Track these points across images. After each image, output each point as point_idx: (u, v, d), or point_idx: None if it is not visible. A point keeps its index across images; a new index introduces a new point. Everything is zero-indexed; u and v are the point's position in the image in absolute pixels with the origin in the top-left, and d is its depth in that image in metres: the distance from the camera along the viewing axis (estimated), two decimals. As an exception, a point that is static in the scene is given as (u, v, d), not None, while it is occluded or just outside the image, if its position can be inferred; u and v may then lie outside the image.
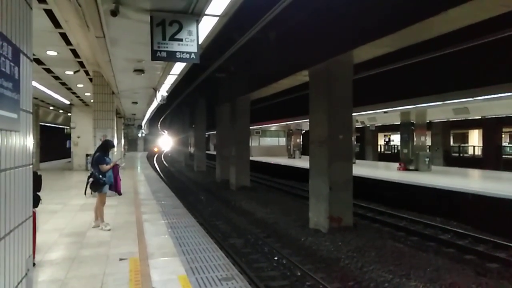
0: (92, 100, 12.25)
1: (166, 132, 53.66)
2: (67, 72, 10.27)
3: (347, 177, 8.80)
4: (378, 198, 12.50)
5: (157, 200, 8.94)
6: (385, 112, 16.70)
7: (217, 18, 5.03)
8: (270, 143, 30.69)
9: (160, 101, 11.79)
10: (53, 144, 26.19)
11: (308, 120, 10.49)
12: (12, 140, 2.00)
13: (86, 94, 14.22)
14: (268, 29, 9.83)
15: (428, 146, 20.11)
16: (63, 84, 12.24)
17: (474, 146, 26.91)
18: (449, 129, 24.96)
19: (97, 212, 6.10)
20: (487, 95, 10.64)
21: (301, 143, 27.25)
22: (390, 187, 12.37)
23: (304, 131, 26.97)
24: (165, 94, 11.51)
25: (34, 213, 3.22)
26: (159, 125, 47.54)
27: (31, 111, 2.36)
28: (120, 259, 4.48)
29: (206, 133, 29.83)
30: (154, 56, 4.85)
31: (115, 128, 12.69)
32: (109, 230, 5.88)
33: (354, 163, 16.52)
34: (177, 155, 44.31)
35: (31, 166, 2.35)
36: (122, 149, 24.53)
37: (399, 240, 8.36)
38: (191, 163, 29.93)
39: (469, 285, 5.73)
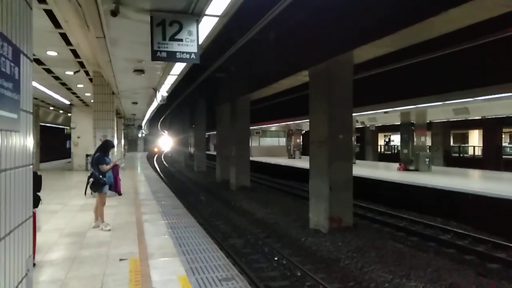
0: (92, 100, 12.25)
1: (166, 132, 53.68)
2: (67, 72, 10.27)
3: (347, 177, 8.80)
4: (378, 199, 12.50)
5: (157, 201, 8.94)
6: (385, 112, 16.70)
7: (217, 18, 5.03)
8: (270, 143, 30.69)
9: (160, 101, 11.79)
10: (53, 144, 26.19)
11: (308, 120, 10.49)
12: (12, 140, 2.00)
13: (86, 94, 14.22)
14: (268, 29, 9.82)
15: (428, 147, 20.12)
16: (63, 84, 12.24)
17: (474, 147, 26.90)
18: (449, 129, 24.96)
19: (97, 212, 6.10)
20: (487, 95, 10.64)
21: (301, 143, 27.26)
22: (390, 187, 12.37)
23: (304, 131, 26.98)
24: (165, 94, 11.51)
25: (34, 214, 3.22)
26: (159, 126, 47.56)
27: (31, 111, 2.35)
28: (120, 260, 4.48)
29: (206, 133, 29.84)
30: (154, 56, 4.85)
31: (115, 128, 12.69)
32: (109, 230, 5.87)
33: (354, 163, 16.51)
34: (177, 155, 44.31)
35: (31, 166, 2.35)
36: (122, 150, 24.54)
37: (399, 240, 8.36)
38: (191, 163, 29.93)
39: (469, 285, 5.72)
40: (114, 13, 4.56)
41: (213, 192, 16.05)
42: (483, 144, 23.81)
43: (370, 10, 7.08)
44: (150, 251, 4.83)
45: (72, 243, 5.23)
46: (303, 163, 19.40)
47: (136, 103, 16.17)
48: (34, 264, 3.38)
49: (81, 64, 9.33)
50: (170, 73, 8.96)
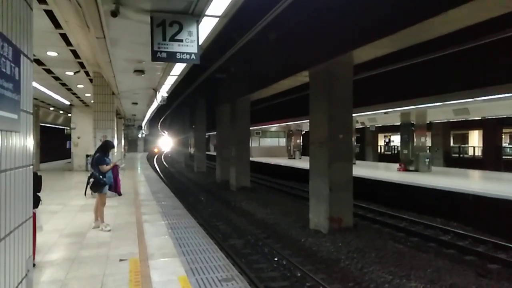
0: (92, 101, 12.26)
1: (166, 132, 53.68)
2: (67, 73, 10.27)
3: (347, 177, 8.79)
4: (378, 199, 12.50)
5: (157, 201, 8.94)
6: (385, 112, 16.71)
7: (217, 18, 5.03)
8: (270, 144, 30.69)
9: (160, 101, 11.80)
10: (53, 144, 26.19)
11: (308, 120, 10.48)
12: (12, 140, 2.00)
13: (86, 94, 14.22)
14: (268, 30, 9.83)
15: (428, 147, 20.12)
16: (63, 84, 12.24)
17: (474, 147, 26.90)
18: (449, 130, 24.96)
19: (97, 212, 6.10)
20: (487, 95, 10.65)
21: (301, 143, 27.26)
22: (390, 188, 12.37)
23: (304, 132, 26.98)
24: (165, 94, 11.51)
25: (34, 214, 3.22)
26: (159, 126, 47.56)
27: (31, 111, 2.36)
28: (120, 260, 4.48)
29: (206, 134, 29.84)
30: (154, 57, 4.85)
31: (115, 128, 12.69)
32: (109, 230, 5.87)
33: (354, 163, 16.52)
34: (177, 155, 44.31)
35: (31, 166, 2.35)
36: (122, 150, 24.54)
37: (399, 241, 8.36)
38: (191, 164, 29.93)
39: (470, 286, 5.72)
40: (114, 13, 4.57)
41: (213, 192, 16.05)
42: (483, 144, 23.81)
43: (370, 10, 7.08)
44: (150, 251, 4.83)
45: (72, 243, 5.23)
46: (303, 163, 19.40)
47: (136, 103, 16.18)
48: (34, 265, 3.38)
49: (81, 65, 9.33)
50: (170, 74, 8.96)
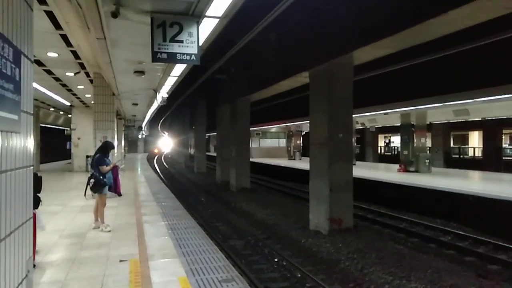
0: (92, 102, 12.26)
1: (166, 133, 53.70)
2: (67, 74, 10.28)
3: (347, 178, 8.79)
4: (378, 200, 12.49)
5: (157, 202, 8.94)
6: (385, 113, 16.71)
7: (218, 19, 5.04)
8: (270, 145, 30.69)
9: (161, 102, 11.80)
10: (54, 145, 26.20)
11: (308, 121, 10.48)
12: (12, 141, 2.00)
13: (87, 95, 14.23)
14: (268, 31, 9.84)
15: (428, 148, 20.11)
16: (64, 85, 12.25)
17: (474, 148, 26.91)
18: (449, 131, 24.96)
19: (97, 213, 6.10)
20: (488, 96, 10.65)
21: (301, 144, 27.26)
22: (390, 189, 12.36)
23: (304, 133, 26.97)
24: (166, 95, 11.51)
25: (34, 215, 3.22)
26: (159, 127, 47.57)
27: (32, 112, 2.36)
28: (120, 261, 4.48)
29: (206, 135, 29.84)
30: (155, 58, 4.86)
31: (115, 129, 12.70)
32: (109, 231, 5.87)
33: (354, 164, 16.50)
34: (177, 156, 44.31)
35: (31, 167, 2.35)
36: (123, 151, 24.53)
37: (399, 241, 8.36)
38: (191, 165, 29.93)
39: (470, 287, 5.72)
40: (115, 14, 4.57)
41: (213, 193, 16.04)
42: (483, 145, 23.82)
43: (370, 11, 7.09)
44: (150, 252, 4.83)
45: (72, 244, 5.23)
46: (303, 164, 19.41)
47: (136, 104, 16.18)
48: (34, 265, 3.38)
49: (82, 65, 9.34)
50: (170, 74, 8.96)
